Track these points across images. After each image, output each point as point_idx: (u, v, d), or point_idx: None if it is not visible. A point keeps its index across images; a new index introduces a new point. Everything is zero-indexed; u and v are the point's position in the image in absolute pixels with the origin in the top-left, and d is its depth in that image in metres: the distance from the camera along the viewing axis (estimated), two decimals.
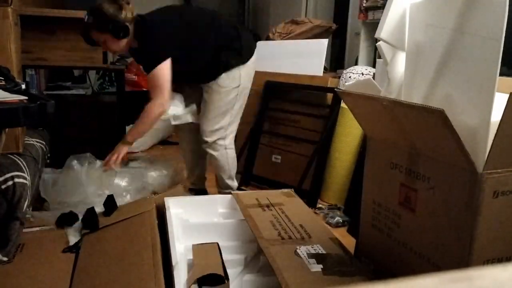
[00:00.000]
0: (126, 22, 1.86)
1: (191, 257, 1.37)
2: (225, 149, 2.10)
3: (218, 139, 2.05)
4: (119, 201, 2.09)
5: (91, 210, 1.73)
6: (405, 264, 1.22)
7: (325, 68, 2.90)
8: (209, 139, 2.04)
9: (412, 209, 1.17)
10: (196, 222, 1.67)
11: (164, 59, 1.87)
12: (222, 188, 2.21)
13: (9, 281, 1.34)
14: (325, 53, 2.59)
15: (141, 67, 2.13)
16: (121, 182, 2.12)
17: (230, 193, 2.22)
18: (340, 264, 1.33)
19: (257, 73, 2.74)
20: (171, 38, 1.91)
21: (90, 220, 1.67)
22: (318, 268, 1.29)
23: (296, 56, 2.66)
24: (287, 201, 1.84)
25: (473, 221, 1.00)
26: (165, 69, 1.87)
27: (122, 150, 1.97)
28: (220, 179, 2.19)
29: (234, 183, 2.23)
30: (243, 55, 2.02)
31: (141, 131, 1.98)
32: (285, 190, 2.02)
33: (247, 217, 1.62)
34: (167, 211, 1.59)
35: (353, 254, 1.56)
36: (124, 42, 1.89)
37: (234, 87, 2.02)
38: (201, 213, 1.74)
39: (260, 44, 2.82)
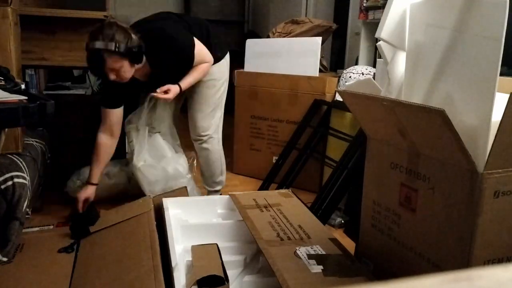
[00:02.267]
0: (138, 47, 1.75)
1: (190, 258, 1.37)
2: (218, 142, 2.15)
3: (213, 132, 2.10)
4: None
5: (78, 219, 1.73)
6: (405, 264, 1.22)
7: (325, 68, 2.90)
8: (205, 134, 2.07)
9: (412, 209, 1.17)
10: (195, 223, 1.67)
11: (193, 42, 1.90)
12: (211, 186, 2.24)
13: (9, 281, 1.34)
14: (320, 51, 2.57)
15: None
16: None
17: (219, 190, 2.23)
18: (340, 264, 1.33)
19: (250, 74, 2.75)
20: (183, 29, 1.95)
21: (79, 229, 1.65)
22: (318, 269, 1.28)
23: (290, 55, 2.64)
24: (285, 201, 1.83)
25: (473, 221, 0.99)
26: (198, 45, 1.91)
27: (174, 89, 1.87)
28: (211, 176, 2.21)
29: (224, 178, 2.26)
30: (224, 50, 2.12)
31: (193, 81, 1.96)
32: (282, 191, 2.02)
33: (245, 218, 1.61)
34: (165, 212, 1.59)
35: (353, 254, 1.56)
36: (135, 68, 1.80)
37: (224, 79, 2.11)
38: (200, 214, 1.73)
39: (250, 42, 2.81)
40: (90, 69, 1.78)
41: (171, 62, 1.90)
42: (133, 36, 1.74)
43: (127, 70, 1.75)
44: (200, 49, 1.92)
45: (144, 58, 1.83)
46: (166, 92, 1.85)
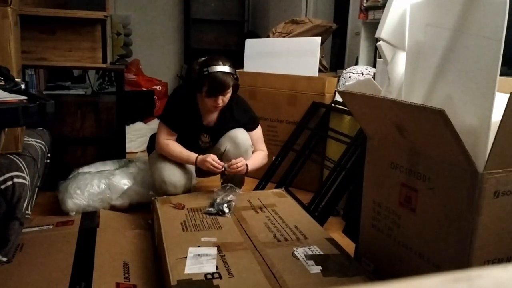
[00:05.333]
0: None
1: None
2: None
3: None
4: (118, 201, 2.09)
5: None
6: (405, 264, 1.22)
7: (324, 68, 2.90)
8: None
9: (412, 209, 1.17)
10: None
11: (259, 122, 2.15)
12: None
13: (9, 281, 1.34)
14: (319, 52, 2.56)
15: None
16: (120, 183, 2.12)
17: None
18: (339, 264, 1.33)
19: (249, 74, 2.74)
20: None
21: None
22: (317, 269, 1.28)
23: (289, 55, 2.63)
24: (279, 201, 1.83)
25: (473, 221, 0.99)
26: (260, 128, 2.16)
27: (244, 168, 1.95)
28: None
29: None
30: None
31: (258, 166, 2.07)
32: (276, 190, 2.02)
33: (241, 220, 1.62)
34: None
35: (354, 254, 1.56)
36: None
37: None
38: None
39: (250, 42, 2.81)
40: (212, 90, 1.91)
41: (238, 119, 2.08)
42: None
43: (228, 98, 1.97)
44: (261, 132, 2.15)
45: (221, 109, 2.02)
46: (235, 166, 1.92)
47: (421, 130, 1.07)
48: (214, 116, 2.07)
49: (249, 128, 2.09)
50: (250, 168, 1.97)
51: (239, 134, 2.04)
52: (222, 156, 2.04)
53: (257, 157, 2.07)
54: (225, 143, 2.04)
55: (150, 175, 2.12)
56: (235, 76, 1.94)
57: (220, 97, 1.92)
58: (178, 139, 2.07)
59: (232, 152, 2.02)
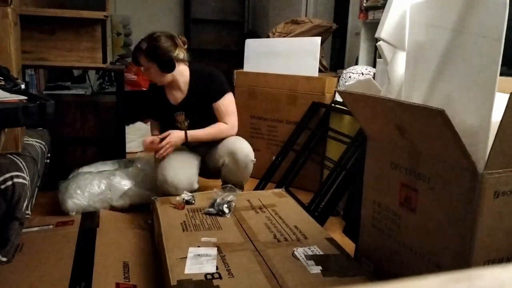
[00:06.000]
0: (176, 59, 2.00)
1: None
2: None
3: None
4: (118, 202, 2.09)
5: None
6: (406, 265, 1.22)
7: (324, 68, 2.90)
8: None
9: (412, 209, 1.17)
10: None
11: (230, 92, 2.09)
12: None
13: (9, 281, 1.34)
14: (319, 52, 2.56)
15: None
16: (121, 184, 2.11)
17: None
18: (339, 265, 1.33)
19: (249, 74, 2.75)
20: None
21: None
22: (317, 270, 1.28)
23: (289, 55, 2.63)
24: (279, 201, 1.83)
25: (473, 221, 0.99)
26: (232, 98, 2.09)
27: (177, 134, 2.00)
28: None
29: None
30: None
31: (204, 138, 2.06)
32: (276, 190, 2.01)
33: (241, 220, 1.62)
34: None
35: (354, 254, 1.56)
36: (166, 77, 2.02)
37: None
38: None
39: (250, 42, 2.81)
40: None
41: (203, 90, 2.06)
42: (176, 51, 2.00)
43: (155, 74, 2.01)
44: (232, 103, 2.09)
45: (188, 84, 2.07)
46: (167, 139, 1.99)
47: (421, 130, 1.07)
48: (178, 94, 2.10)
49: (214, 98, 2.06)
50: (191, 136, 2.01)
51: (239, 148, 2.01)
52: (221, 169, 2.04)
53: (210, 129, 2.05)
54: (224, 157, 2.02)
55: (151, 174, 2.12)
56: (149, 51, 1.96)
57: (144, 70, 2.05)
58: (160, 125, 2.20)
59: (230, 167, 2.01)
